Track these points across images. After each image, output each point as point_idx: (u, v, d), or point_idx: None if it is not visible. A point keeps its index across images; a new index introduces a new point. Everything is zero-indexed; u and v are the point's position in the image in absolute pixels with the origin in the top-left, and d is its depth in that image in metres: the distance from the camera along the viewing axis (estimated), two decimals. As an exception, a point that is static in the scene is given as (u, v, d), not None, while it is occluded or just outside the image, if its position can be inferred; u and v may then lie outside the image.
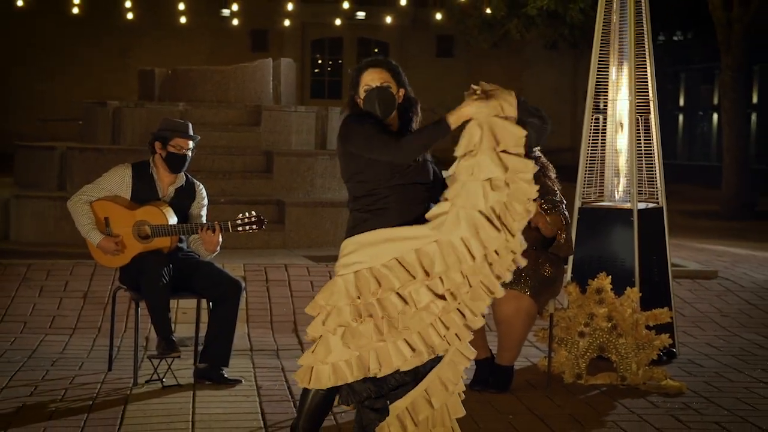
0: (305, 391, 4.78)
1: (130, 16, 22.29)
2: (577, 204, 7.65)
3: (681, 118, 31.09)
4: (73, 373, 6.82)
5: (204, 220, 6.77)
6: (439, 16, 22.38)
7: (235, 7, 23.42)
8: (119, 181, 6.70)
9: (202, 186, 6.88)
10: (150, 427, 5.66)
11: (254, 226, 6.61)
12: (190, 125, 6.78)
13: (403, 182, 4.76)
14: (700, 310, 9.11)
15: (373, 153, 4.71)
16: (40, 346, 7.54)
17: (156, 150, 6.69)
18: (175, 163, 6.66)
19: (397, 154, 4.71)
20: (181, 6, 22.16)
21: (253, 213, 6.65)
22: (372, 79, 4.82)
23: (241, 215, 6.64)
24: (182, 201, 6.73)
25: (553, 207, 6.61)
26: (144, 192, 6.67)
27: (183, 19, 23.16)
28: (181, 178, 6.76)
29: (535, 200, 6.53)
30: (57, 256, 9.97)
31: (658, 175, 7.67)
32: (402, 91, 4.87)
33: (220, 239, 6.60)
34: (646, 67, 7.62)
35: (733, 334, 8.45)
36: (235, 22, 24.22)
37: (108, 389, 6.42)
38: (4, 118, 25.90)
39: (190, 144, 6.70)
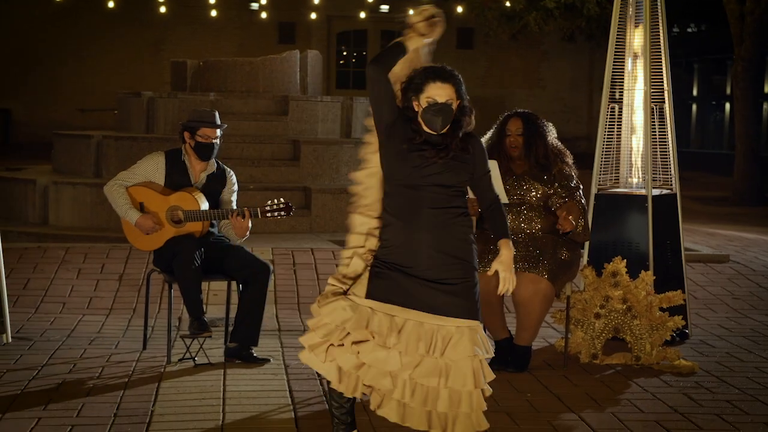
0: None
1: (162, 10, 22.31)
2: (594, 190, 7.63)
3: (694, 107, 30.90)
4: (109, 351, 6.86)
5: (234, 205, 6.78)
6: (460, 9, 22.28)
7: (263, 0, 23.42)
8: (153, 167, 6.73)
9: (232, 173, 6.90)
10: (183, 404, 5.69)
11: (282, 213, 6.62)
12: (217, 114, 6.78)
13: (405, 183, 4.66)
14: (711, 293, 9.08)
15: (371, 102, 4.73)
16: (78, 326, 7.59)
17: (186, 140, 6.71)
18: (203, 151, 6.68)
19: (369, 80, 4.72)
20: (212, 0, 22.18)
21: (281, 200, 6.66)
22: (438, 94, 4.64)
23: (269, 202, 6.65)
24: (213, 187, 6.76)
25: (570, 194, 6.59)
26: (177, 178, 6.70)
27: (213, 13, 23.16)
28: (213, 165, 6.78)
29: (553, 190, 6.57)
30: (94, 240, 10.03)
31: (672, 162, 7.64)
32: (458, 102, 4.71)
33: (250, 225, 6.61)
34: (660, 58, 7.59)
35: (743, 316, 8.42)
36: (264, 15, 24.19)
37: (143, 367, 6.46)
38: (48, 109, 25.99)
39: (218, 133, 6.71)
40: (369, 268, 4.71)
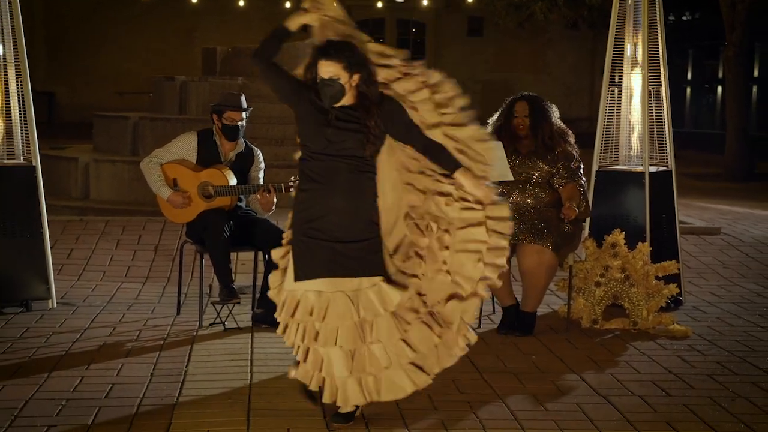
0: None
1: (194, 0, 22.28)
2: (595, 168, 7.60)
3: (688, 90, 30.71)
4: (146, 316, 6.88)
5: (261, 182, 6.77)
6: (470, -1, 22.20)
7: (287, -9, 23.36)
8: (186, 146, 6.71)
9: (259, 152, 6.88)
10: (214, 364, 5.71)
11: (305, 187, 6.59)
12: (243, 98, 6.74)
13: (318, 152, 4.59)
14: (704, 263, 9.04)
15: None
16: (117, 293, 7.61)
17: (214, 121, 6.70)
18: (229, 132, 6.66)
19: (260, 76, 4.71)
20: (240, -10, 22.16)
21: (305, 175, 6.63)
22: (324, 71, 4.55)
23: (293, 177, 6.61)
24: (242, 165, 6.74)
25: (572, 175, 6.56)
26: (208, 156, 6.69)
27: (241, 3, 23.14)
28: (241, 144, 6.76)
29: (556, 169, 6.53)
30: (131, 214, 10.06)
31: (667, 141, 7.60)
32: (357, 77, 4.57)
33: (275, 200, 6.60)
34: (657, 44, 7.52)
35: (733, 284, 8.38)
36: (288, 5, 24.14)
37: (177, 331, 6.48)
38: (89, 92, 26.03)
39: (243, 115, 6.68)
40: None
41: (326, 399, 4.67)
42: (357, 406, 4.72)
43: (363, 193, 4.62)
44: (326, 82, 4.56)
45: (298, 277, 4.63)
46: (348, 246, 4.57)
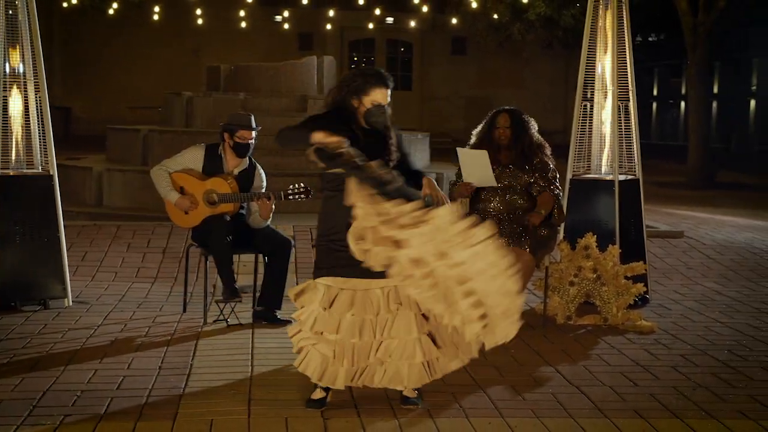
0: None
1: (200, 22, 22.27)
2: (569, 176, 7.61)
3: (654, 105, 30.81)
4: (154, 314, 6.86)
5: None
6: (454, 20, 22.20)
7: (286, 14, 23.34)
8: (194, 157, 6.70)
9: (262, 170, 6.83)
10: (217, 358, 5.69)
11: (302, 195, 6.60)
12: (253, 118, 6.72)
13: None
14: (668, 264, 9.06)
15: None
16: (128, 292, 7.59)
17: (225, 139, 6.66)
18: (241, 150, 6.64)
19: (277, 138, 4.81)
20: (242, 13, 22.16)
21: (302, 184, 6.63)
22: (382, 97, 4.71)
23: (291, 186, 6.63)
24: (244, 181, 6.68)
25: (548, 184, 6.56)
26: (213, 169, 6.66)
27: (243, 25, 23.12)
28: (245, 162, 6.72)
29: (534, 178, 6.53)
30: (141, 219, 10.02)
31: (635, 152, 7.61)
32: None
33: (273, 207, 6.58)
34: (626, 63, 7.54)
35: (695, 283, 8.40)
36: (286, 26, 24.13)
37: (183, 327, 6.47)
38: (103, 107, 25.98)
39: (253, 134, 6.66)
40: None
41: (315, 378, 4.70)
42: (326, 394, 4.76)
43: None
44: (382, 107, 4.74)
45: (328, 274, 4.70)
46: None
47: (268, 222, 6.68)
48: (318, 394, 4.77)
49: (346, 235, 4.58)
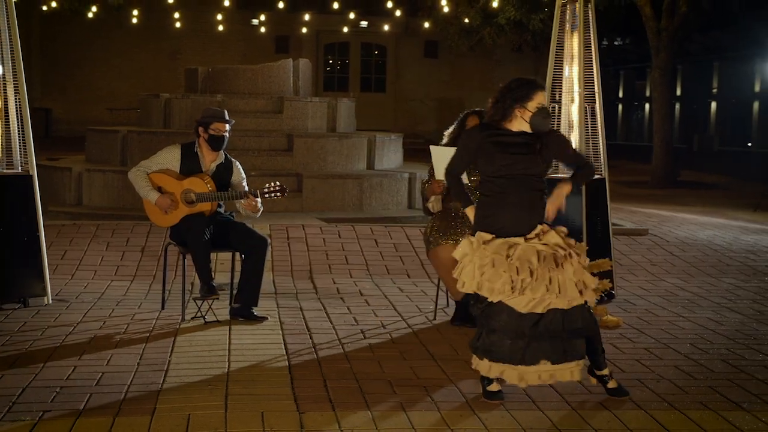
0: None
1: (178, 25, 22.17)
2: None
3: (620, 107, 30.98)
4: (133, 311, 6.82)
5: (246, 188, 6.74)
6: (427, 24, 22.23)
7: (262, 17, 23.28)
8: (171, 157, 6.67)
9: (238, 162, 6.84)
10: (195, 355, 5.66)
11: (278, 193, 6.58)
12: (226, 112, 6.74)
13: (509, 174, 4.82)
14: (633, 260, 9.11)
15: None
16: (107, 290, 7.53)
17: (200, 134, 6.65)
18: (215, 143, 6.63)
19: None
20: (219, 17, 22.08)
21: (277, 183, 6.62)
22: (543, 100, 4.86)
23: (267, 185, 6.61)
24: (222, 175, 6.70)
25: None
26: (190, 167, 6.64)
27: (221, 28, 23.03)
28: (221, 156, 6.72)
29: None
30: (120, 218, 9.96)
31: (601, 152, 7.64)
32: None
33: (259, 203, 6.57)
34: (592, 66, 7.58)
35: (659, 279, 8.46)
36: (263, 30, 24.07)
37: (161, 324, 6.43)
38: (82, 108, 25.80)
39: (227, 127, 6.66)
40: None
41: None
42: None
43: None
44: (547, 109, 4.92)
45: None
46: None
47: (258, 215, 6.68)
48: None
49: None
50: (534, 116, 4.84)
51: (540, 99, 4.85)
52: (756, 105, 24.92)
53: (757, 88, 24.84)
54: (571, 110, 7.62)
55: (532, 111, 4.83)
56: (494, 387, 4.86)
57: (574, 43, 7.54)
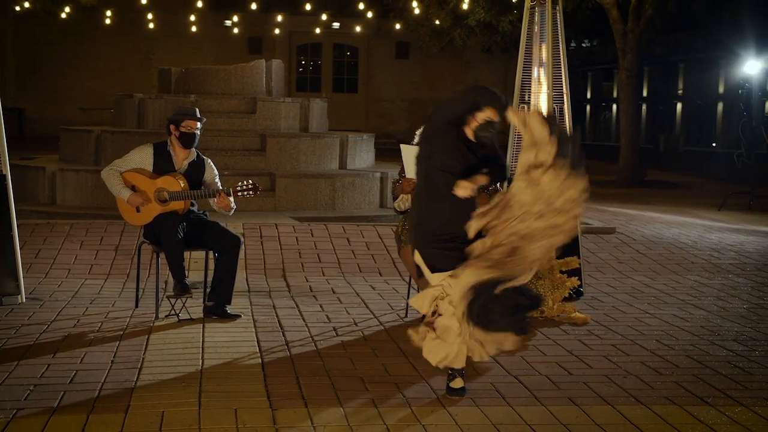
0: None
1: (151, 26, 22.03)
2: (508, 175, 7.62)
3: (588, 108, 31.18)
4: (107, 309, 6.77)
5: (219, 185, 6.72)
6: (398, 26, 22.26)
7: (235, 18, 23.21)
8: (143, 156, 6.63)
9: (210, 160, 6.82)
10: (169, 352, 5.64)
11: (251, 192, 6.56)
12: (197, 110, 6.71)
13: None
14: (601, 258, 9.17)
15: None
16: (81, 288, 7.48)
17: (171, 132, 6.62)
18: (187, 140, 6.60)
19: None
20: (192, 18, 21.98)
21: (250, 181, 6.60)
22: (493, 115, 4.88)
23: (240, 183, 6.59)
24: (194, 172, 6.68)
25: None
26: (163, 165, 6.61)
27: (194, 28, 22.93)
28: (193, 154, 6.69)
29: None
30: (94, 217, 9.88)
31: (569, 152, 7.68)
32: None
33: (231, 201, 6.56)
34: (560, 68, 7.62)
35: (626, 277, 8.52)
36: (236, 30, 23.99)
37: (135, 322, 6.39)
38: (56, 108, 25.56)
39: (198, 124, 6.63)
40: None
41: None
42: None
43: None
44: (495, 123, 4.95)
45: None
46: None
47: (231, 213, 6.66)
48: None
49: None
50: (479, 128, 4.86)
51: (490, 114, 4.86)
52: (720, 106, 25.18)
53: (721, 90, 25.10)
54: (540, 111, 7.64)
55: (479, 122, 4.84)
56: (457, 383, 4.87)
57: (542, 45, 7.57)
